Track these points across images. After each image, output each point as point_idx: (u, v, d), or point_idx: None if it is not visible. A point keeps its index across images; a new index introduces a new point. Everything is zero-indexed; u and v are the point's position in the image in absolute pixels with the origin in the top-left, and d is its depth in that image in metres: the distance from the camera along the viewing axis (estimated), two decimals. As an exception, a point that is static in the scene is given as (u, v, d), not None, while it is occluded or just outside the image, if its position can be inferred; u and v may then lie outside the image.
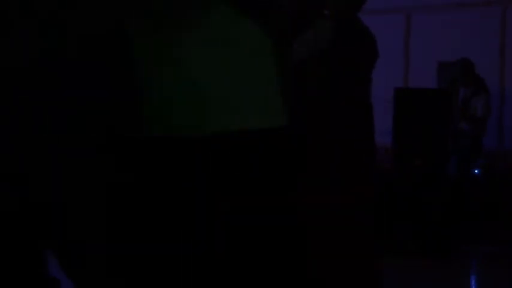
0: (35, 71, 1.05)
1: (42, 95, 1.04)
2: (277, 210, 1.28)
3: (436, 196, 6.19)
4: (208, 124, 1.23)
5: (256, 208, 1.25)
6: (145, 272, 1.19)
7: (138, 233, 1.20)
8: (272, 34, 1.28)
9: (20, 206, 1.12)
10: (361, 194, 2.02)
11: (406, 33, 8.05)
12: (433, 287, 5.01)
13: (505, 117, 7.95)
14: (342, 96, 2.26)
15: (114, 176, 1.13)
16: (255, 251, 1.25)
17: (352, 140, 2.18)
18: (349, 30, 2.29)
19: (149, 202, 1.20)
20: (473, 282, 5.70)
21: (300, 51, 1.98)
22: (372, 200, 1.99)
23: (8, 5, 1.05)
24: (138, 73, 1.14)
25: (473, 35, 8.07)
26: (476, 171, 7.25)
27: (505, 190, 7.21)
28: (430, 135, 6.16)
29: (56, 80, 1.06)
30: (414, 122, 6.13)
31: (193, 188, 1.21)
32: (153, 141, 1.21)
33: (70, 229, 1.13)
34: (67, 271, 1.18)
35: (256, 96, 1.27)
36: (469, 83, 7.04)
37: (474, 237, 6.83)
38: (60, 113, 1.04)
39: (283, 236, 1.28)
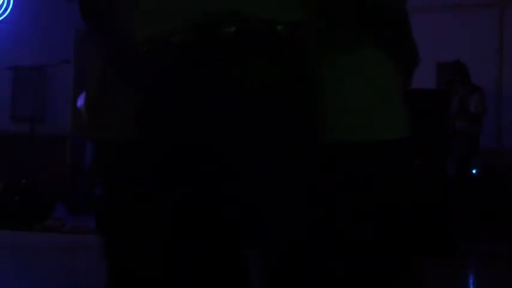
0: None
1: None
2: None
3: (435, 196, 6.20)
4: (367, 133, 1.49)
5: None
6: None
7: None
8: (400, 63, 1.56)
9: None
10: None
11: (404, 34, 8.02)
12: (432, 286, 5.02)
13: (503, 117, 7.98)
14: None
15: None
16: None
17: None
18: None
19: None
20: (473, 282, 5.71)
21: None
22: None
23: None
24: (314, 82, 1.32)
25: (472, 35, 8.10)
26: (474, 171, 7.27)
27: (504, 190, 7.24)
28: (430, 135, 6.17)
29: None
30: (414, 122, 6.13)
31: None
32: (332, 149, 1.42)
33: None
34: None
35: (395, 111, 1.54)
36: (466, 82, 7.10)
37: (474, 237, 6.86)
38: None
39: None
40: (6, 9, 9.34)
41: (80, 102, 7.84)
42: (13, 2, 9.38)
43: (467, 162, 7.16)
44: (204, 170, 1.25)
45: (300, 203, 1.27)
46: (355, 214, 1.49)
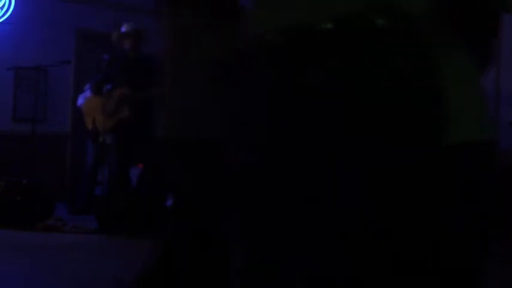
0: None
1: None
2: None
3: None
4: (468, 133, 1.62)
5: None
6: None
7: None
8: (479, 65, 1.71)
9: None
10: None
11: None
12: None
13: (501, 117, 7.99)
14: None
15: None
16: None
17: None
18: None
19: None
20: (471, 281, 5.71)
21: None
22: None
23: None
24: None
25: (470, 36, 8.12)
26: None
27: (501, 190, 7.25)
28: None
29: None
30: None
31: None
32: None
33: None
34: None
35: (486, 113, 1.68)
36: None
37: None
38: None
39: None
40: (7, 10, 9.37)
41: (80, 101, 7.86)
42: (14, 3, 9.41)
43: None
44: (326, 162, 1.25)
45: (425, 200, 1.27)
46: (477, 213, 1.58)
